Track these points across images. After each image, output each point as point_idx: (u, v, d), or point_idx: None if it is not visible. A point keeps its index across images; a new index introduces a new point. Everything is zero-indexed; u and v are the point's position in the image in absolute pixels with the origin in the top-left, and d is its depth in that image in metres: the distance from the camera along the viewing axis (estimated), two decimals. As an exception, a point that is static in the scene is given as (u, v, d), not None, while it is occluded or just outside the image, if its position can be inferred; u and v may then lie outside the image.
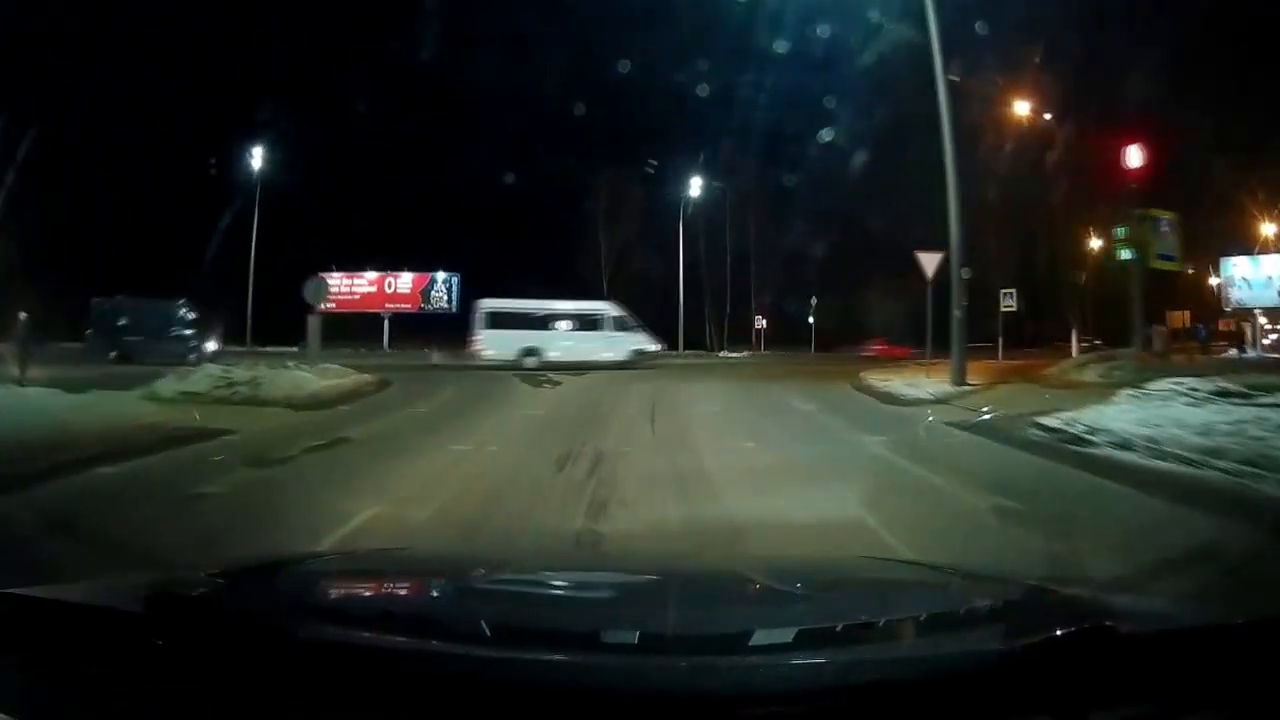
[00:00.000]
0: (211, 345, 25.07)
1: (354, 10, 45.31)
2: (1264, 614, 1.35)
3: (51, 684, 1.20)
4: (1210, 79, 29.42)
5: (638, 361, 25.39)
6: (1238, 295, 38.99)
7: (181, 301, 26.08)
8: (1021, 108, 25.56)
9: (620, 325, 27.09)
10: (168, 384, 12.50)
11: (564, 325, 26.83)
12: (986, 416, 9.61)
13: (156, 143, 37.48)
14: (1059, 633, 1.22)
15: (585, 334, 26.53)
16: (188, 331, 25.54)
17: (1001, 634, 1.34)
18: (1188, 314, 51.82)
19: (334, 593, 1.87)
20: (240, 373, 12.57)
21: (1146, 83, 22.58)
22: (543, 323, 26.57)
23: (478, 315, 26.45)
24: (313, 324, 17.15)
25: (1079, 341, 34.99)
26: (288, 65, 42.19)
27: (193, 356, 23.00)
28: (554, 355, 24.74)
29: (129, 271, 36.94)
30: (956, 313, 13.35)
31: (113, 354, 22.95)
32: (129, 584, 1.54)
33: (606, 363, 24.25)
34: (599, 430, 9.30)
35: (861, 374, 17.22)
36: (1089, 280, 36.82)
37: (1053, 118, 28.78)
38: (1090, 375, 15.11)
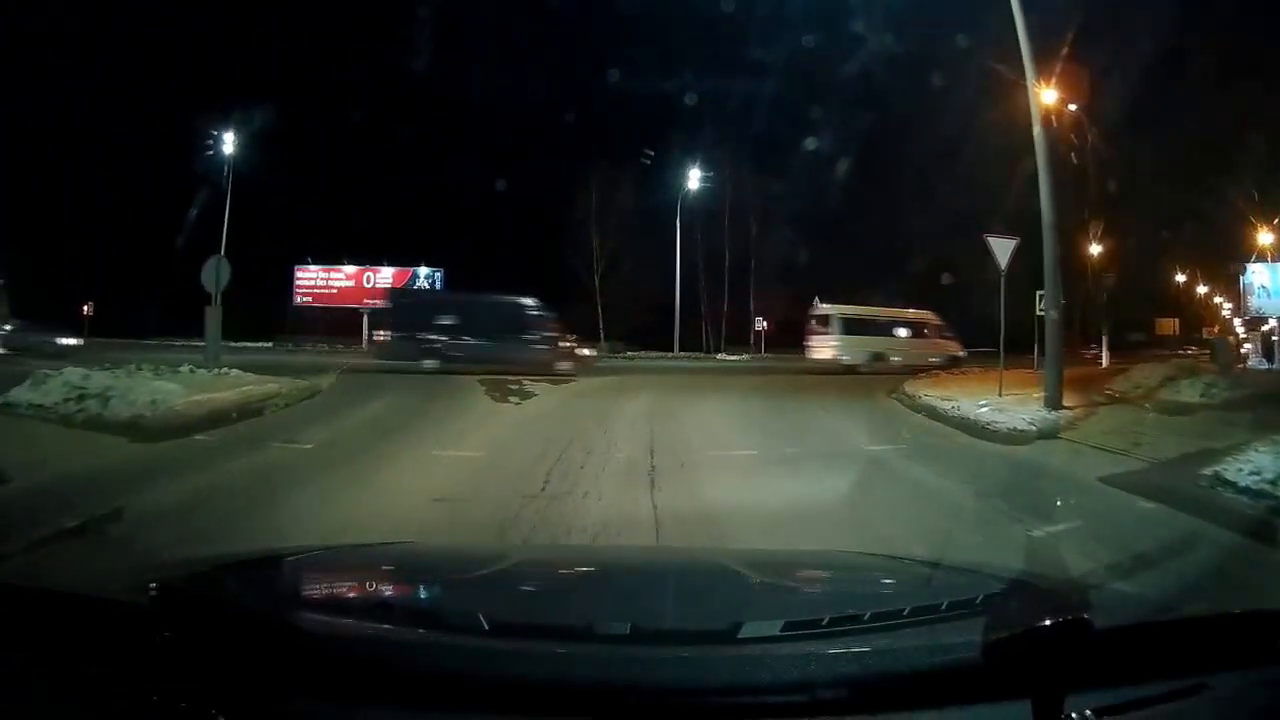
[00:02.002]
0: (585, 351, 20.77)
1: (345, 9, 45.08)
2: (1235, 608, 1.42)
3: (51, 683, 1.19)
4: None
5: (951, 365, 25.76)
6: (1257, 303, 37.06)
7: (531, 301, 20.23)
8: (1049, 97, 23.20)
9: (941, 333, 28.33)
10: (24, 391, 9.82)
11: (902, 332, 27.91)
12: (1148, 466, 6.58)
13: (157, 143, 36.71)
14: (1037, 625, 1.19)
15: (917, 340, 27.72)
16: (543, 334, 19.65)
17: (982, 626, 1.25)
18: (1176, 321, 49.61)
19: (334, 586, 1.87)
20: (101, 379, 9.58)
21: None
22: (886, 329, 27.64)
23: (830, 321, 26.68)
24: (211, 317, 13.46)
25: (1107, 348, 32.91)
26: (281, 63, 41.76)
27: (563, 365, 18.42)
28: (896, 360, 25.83)
29: (127, 271, 35.08)
30: (1053, 314, 10.12)
31: (427, 361, 17.57)
32: (128, 580, 1.47)
33: (932, 365, 24.80)
34: (559, 509, 5.56)
35: (905, 387, 14.17)
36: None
37: (1076, 108, 26.62)
38: (1189, 395, 12.31)
